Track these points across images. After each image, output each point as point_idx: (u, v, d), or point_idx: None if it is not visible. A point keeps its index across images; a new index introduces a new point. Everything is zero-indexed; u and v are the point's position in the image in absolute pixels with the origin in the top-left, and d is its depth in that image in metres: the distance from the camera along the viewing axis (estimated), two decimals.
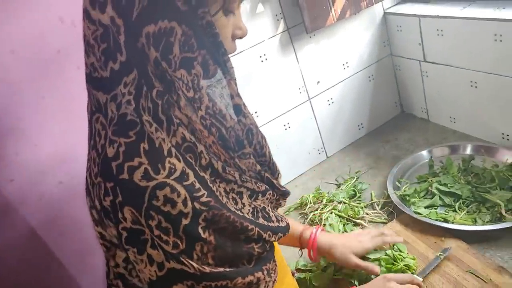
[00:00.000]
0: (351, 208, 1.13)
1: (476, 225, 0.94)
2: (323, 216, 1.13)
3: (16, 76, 0.91)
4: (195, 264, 0.51)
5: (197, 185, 0.52)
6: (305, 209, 1.21)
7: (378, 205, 1.13)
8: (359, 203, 1.15)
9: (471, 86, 1.18)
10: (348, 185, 1.24)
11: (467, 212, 0.98)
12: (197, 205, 0.50)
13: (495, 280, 0.81)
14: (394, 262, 0.89)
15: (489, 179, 1.05)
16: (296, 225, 0.94)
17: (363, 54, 1.38)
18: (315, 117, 1.37)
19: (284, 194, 0.68)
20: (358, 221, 1.08)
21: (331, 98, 1.38)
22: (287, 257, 0.93)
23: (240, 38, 0.61)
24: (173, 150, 0.51)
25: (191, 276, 0.51)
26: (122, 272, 0.60)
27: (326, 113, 1.39)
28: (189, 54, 0.51)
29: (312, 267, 0.97)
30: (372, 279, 0.85)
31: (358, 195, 1.19)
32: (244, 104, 0.60)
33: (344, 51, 1.34)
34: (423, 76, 1.34)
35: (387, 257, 0.90)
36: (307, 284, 0.94)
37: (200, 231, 0.51)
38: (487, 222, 0.94)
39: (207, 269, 0.52)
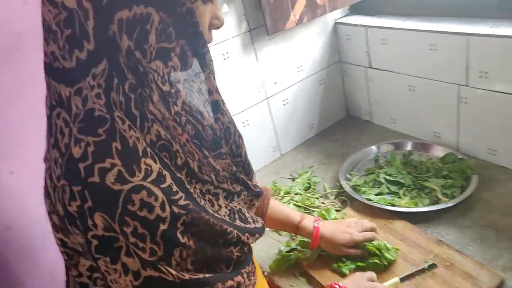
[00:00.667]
0: (307, 199, 1.21)
1: (418, 207, 1.06)
2: None
3: None
4: (173, 271, 0.48)
5: (175, 188, 0.49)
6: None
7: (332, 195, 1.23)
8: (314, 194, 1.24)
9: (410, 90, 1.33)
10: (302, 178, 1.32)
11: (410, 197, 1.11)
12: (175, 209, 0.48)
13: (435, 250, 0.93)
14: (377, 252, 0.93)
15: (425, 170, 1.19)
16: (293, 213, 0.97)
17: (315, 59, 1.49)
18: (271, 116, 1.45)
19: (258, 194, 0.68)
20: (315, 209, 1.16)
21: (286, 99, 1.47)
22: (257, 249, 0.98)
23: (217, 28, 0.59)
24: (148, 149, 0.48)
25: (170, 285, 0.49)
26: (85, 282, 0.56)
27: (282, 112, 1.47)
28: (166, 44, 0.48)
29: (297, 245, 1.02)
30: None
31: (312, 187, 1.28)
32: (223, 100, 0.57)
33: (299, 55, 1.44)
34: (368, 81, 1.49)
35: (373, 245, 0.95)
36: (294, 260, 0.99)
37: (179, 235, 0.48)
38: (426, 204, 1.07)
39: (187, 276, 0.50)
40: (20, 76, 0.94)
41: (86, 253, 0.50)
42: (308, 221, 0.96)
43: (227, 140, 0.59)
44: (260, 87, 1.38)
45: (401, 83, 1.35)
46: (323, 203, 1.20)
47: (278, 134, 1.50)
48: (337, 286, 0.81)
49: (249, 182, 0.64)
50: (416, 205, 1.07)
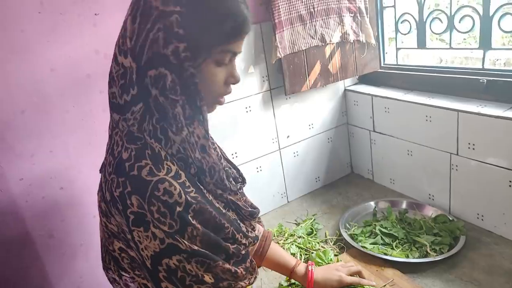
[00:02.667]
0: (309, 242, 1.33)
1: (408, 258, 1.18)
2: (285, 247, 1.32)
3: (50, 90, 1.07)
4: (186, 242, 0.65)
5: (188, 183, 0.67)
6: None
7: (331, 241, 1.35)
8: (315, 239, 1.36)
9: (408, 154, 1.49)
10: (306, 224, 1.45)
11: (402, 249, 1.23)
12: (188, 198, 0.65)
13: None
14: None
15: (418, 227, 1.32)
16: (290, 258, 1.07)
17: (326, 119, 1.68)
18: (282, 165, 1.61)
19: (252, 214, 0.83)
20: (314, 251, 1.28)
21: (297, 151, 1.63)
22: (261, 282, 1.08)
23: (233, 84, 0.74)
24: (168, 156, 0.67)
25: (183, 251, 0.65)
26: (116, 256, 0.75)
27: (291, 163, 1.63)
28: (174, 96, 0.65)
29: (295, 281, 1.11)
30: None
31: (314, 232, 1.40)
32: (209, 145, 0.71)
33: (311, 114, 1.62)
34: (371, 143, 1.65)
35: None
36: None
37: (190, 218, 0.65)
38: (416, 257, 1.18)
39: (196, 247, 0.66)
40: (83, 110, 1.13)
41: (120, 233, 0.69)
42: (302, 267, 1.07)
43: (212, 175, 0.72)
44: (275, 138, 1.56)
45: (401, 148, 1.51)
46: (323, 247, 1.31)
47: (287, 183, 1.64)
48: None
49: (239, 203, 0.79)
50: (407, 256, 1.19)
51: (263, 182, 1.57)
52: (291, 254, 1.27)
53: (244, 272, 0.74)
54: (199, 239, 0.67)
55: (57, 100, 1.08)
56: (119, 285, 0.79)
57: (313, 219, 1.49)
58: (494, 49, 1.25)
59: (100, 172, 0.81)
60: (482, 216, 1.30)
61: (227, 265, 0.71)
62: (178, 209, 0.64)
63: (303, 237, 1.37)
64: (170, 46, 0.63)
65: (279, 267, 1.06)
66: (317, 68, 1.48)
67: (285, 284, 1.14)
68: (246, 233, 0.78)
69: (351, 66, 1.56)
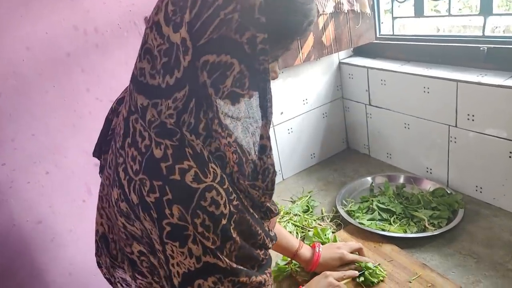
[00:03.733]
0: (305, 220, 1.31)
1: (406, 234, 1.15)
2: (282, 225, 1.29)
3: (27, 70, 1.00)
4: (226, 259, 0.57)
5: (230, 189, 0.58)
6: None
7: (328, 218, 1.32)
8: (312, 216, 1.34)
9: (405, 127, 1.45)
10: (302, 201, 1.42)
11: (400, 224, 1.20)
12: (232, 208, 0.57)
13: (419, 272, 1.01)
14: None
15: (416, 202, 1.29)
16: (293, 240, 1.04)
17: (320, 94, 1.63)
18: (276, 142, 1.57)
19: (277, 214, 0.77)
20: (311, 229, 1.25)
21: (291, 128, 1.59)
22: None
23: (273, 79, 0.65)
24: (210, 157, 0.57)
25: (222, 270, 0.57)
26: (134, 259, 0.67)
27: (286, 140, 1.59)
28: (239, 90, 0.56)
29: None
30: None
31: (310, 210, 1.37)
32: (270, 146, 0.63)
33: (305, 89, 1.57)
34: (367, 117, 1.61)
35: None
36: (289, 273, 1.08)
37: (232, 231, 0.57)
38: (414, 232, 1.16)
39: (234, 265, 0.59)
40: (64, 91, 1.07)
41: (144, 237, 0.61)
42: (305, 250, 1.04)
43: (264, 177, 0.64)
44: None
45: (397, 121, 1.47)
46: (319, 224, 1.29)
47: (282, 160, 1.61)
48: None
49: (272, 207, 0.73)
50: (405, 231, 1.17)
51: None
52: (289, 231, 1.25)
53: (269, 277, 0.69)
54: (235, 254, 0.59)
55: (36, 80, 1.02)
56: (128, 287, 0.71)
57: (309, 196, 1.46)
58: (495, 14, 1.20)
59: (94, 156, 0.75)
60: (481, 188, 1.28)
61: (259, 278, 0.64)
62: (223, 221, 0.56)
63: (299, 215, 1.34)
64: (246, 33, 0.52)
65: (282, 249, 1.04)
66: (310, 40, 1.42)
67: (282, 263, 1.12)
68: (272, 235, 0.72)
69: (346, 38, 1.50)
